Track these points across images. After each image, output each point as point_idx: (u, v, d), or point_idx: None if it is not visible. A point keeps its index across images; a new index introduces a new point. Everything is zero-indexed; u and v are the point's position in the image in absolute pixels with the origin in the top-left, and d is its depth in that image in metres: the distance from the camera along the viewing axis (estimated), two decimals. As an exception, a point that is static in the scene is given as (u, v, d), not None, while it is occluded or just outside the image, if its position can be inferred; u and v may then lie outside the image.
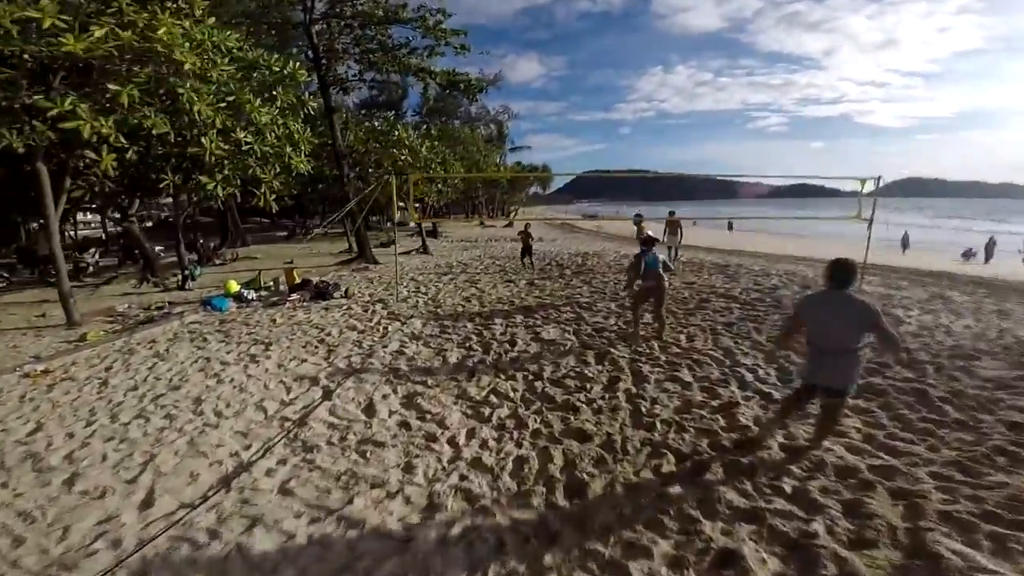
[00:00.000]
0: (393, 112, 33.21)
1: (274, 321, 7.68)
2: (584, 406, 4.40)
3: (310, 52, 14.45)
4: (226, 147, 7.59)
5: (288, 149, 8.41)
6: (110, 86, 6.20)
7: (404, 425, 4.17)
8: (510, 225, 37.25)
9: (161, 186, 8.66)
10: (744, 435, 3.80)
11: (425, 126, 29.40)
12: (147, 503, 3.17)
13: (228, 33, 7.48)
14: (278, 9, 13.95)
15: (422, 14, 14.01)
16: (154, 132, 6.49)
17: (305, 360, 5.89)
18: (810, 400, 3.58)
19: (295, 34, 14.56)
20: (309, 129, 9.68)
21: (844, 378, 3.22)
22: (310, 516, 3.00)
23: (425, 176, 16.55)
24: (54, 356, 6.34)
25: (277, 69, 7.86)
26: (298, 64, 8.35)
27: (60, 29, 5.86)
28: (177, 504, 3.16)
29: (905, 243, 23.14)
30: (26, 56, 6.06)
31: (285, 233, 31.41)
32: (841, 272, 3.23)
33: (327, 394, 4.86)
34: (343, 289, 9.77)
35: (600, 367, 5.39)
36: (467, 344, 6.32)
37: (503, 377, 5.16)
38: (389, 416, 4.36)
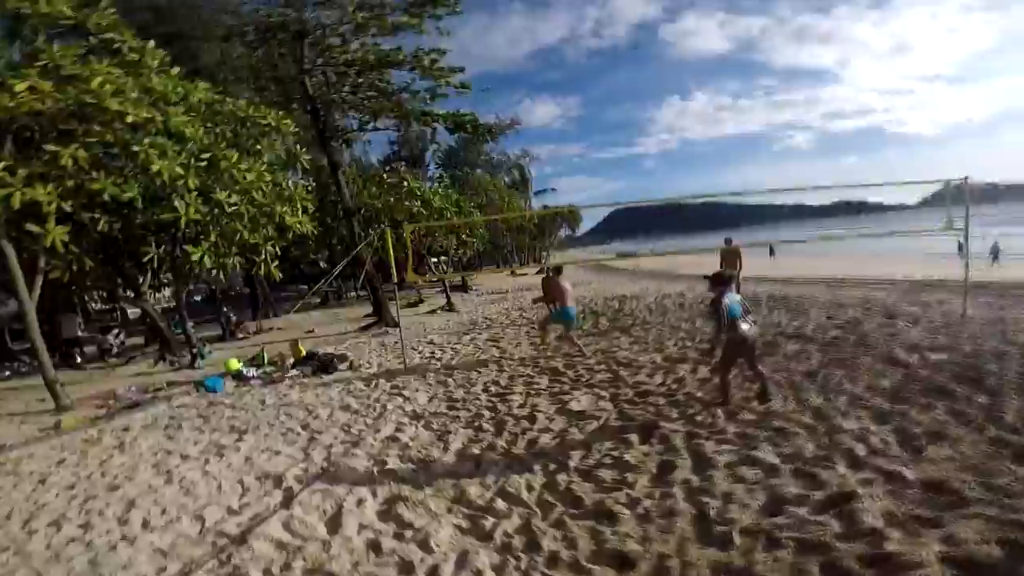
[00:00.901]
0: (414, 166, 33.52)
1: (262, 403, 6.77)
2: (625, 510, 3.14)
3: (309, 105, 14.26)
4: (205, 209, 6.93)
5: (279, 208, 7.72)
6: (47, 147, 5.66)
7: (374, 547, 3.09)
8: (542, 271, 36.17)
9: (144, 260, 8.16)
10: (876, 545, 2.43)
11: (440, 175, 29.43)
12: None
13: (196, 84, 7.03)
14: (270, 64, 14.01)
15: (417, 55, 13.70)
16: (107, 198, 5.89)
17: (279, 452, 4.85)
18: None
19: (293, 87, 14.41)
20: (312, 184, 9.08)
21: None
22: None
23: (427, 224, 15.76)
24: (12, 447, 5.82)
25: (262, 121, 7.32)
26: (282, 113, 7.84)
27: None
28: None
29: (995, 253, 19.84)
30: None
31: (319, 300, 31.50)
32: None
33: (287, 500, 3.80)
34: (348, 361, 8.89)
35: (646, 448, 4.06)
36: (476, 423, 5.13)
37: (516, 469, 3.93)
38: (358, 532, 3.27)
